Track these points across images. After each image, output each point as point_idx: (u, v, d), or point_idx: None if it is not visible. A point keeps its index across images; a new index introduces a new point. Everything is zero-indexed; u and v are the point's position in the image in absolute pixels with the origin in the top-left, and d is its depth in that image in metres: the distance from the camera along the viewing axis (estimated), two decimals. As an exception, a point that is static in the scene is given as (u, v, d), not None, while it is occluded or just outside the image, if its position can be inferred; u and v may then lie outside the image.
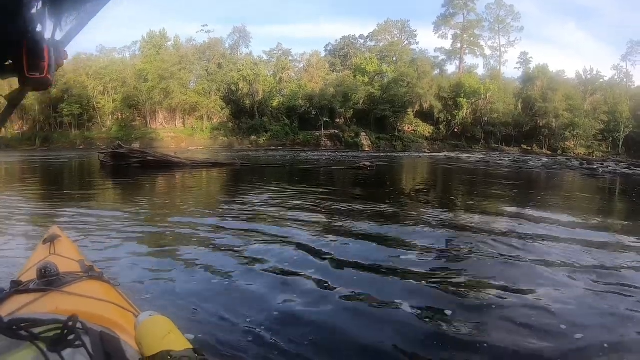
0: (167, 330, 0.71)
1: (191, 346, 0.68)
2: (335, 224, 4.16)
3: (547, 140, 47.51)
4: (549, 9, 76.45)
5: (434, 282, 2.50)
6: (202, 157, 15.77)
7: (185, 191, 7.58)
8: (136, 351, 0.74)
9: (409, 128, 42.03)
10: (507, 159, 27.13)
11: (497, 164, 19.57)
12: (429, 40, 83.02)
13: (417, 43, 46.78)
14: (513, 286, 2.44)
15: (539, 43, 79.53)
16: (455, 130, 43.75)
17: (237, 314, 1.97)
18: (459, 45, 46.83)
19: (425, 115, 42.38)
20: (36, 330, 0.62)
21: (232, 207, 5.23)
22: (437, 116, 42.35)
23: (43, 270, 1.06)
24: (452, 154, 33.73)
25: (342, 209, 5.04)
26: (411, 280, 2.53)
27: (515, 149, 44.95)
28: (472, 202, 6.31)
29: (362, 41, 46.06)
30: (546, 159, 26.34)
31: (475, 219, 4.63)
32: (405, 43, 45.44)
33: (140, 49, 41.72)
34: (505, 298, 2.27)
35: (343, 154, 27.53)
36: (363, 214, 4.71)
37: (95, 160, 13.69)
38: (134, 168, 11.42)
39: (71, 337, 0.62)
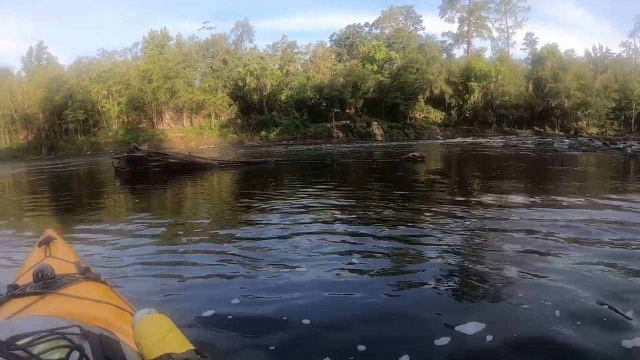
0: (166, 330, 0.70)
1: (192, 347, 0.66)
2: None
3: (559, 121, 46.77)
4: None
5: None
6: (230, 157, 14.40)
7: (217, 196, 6.62)
8: (136, 353, 0.72)
9: (420, 115, 41.17)
10: (528, 142, 26.29)
11: (525, 147, 18.75)
12: (435, 25, 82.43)
13: (423, 28, 45.98)
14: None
15: (541, 23, 78.52)
16: (467, 115, 42.91)
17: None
18: (465, 28, 45.88)
19: (436, 101, 41.50)
20: (36, 350, 0.60)
21: (278, 212, 4.41)
22: (448, 101, 41.49)
23: (39, 274, 1.05)
24: (468, 139, 32.96)
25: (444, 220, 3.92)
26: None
27: (528, 131, 44.18)
28: (577, 196, 5.11)
29: (367, 29, 45.20)
30: (568, 141, 25.47)
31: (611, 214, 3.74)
32: (411, 29, 44.54)
33: (142, 50, 40.92)
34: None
35: (367, 145, 26.63)
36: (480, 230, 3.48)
37: (107, 166, 12.49)
38: (153, 173, 10.28)
39: (74, 356, 0.61)
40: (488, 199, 4.65)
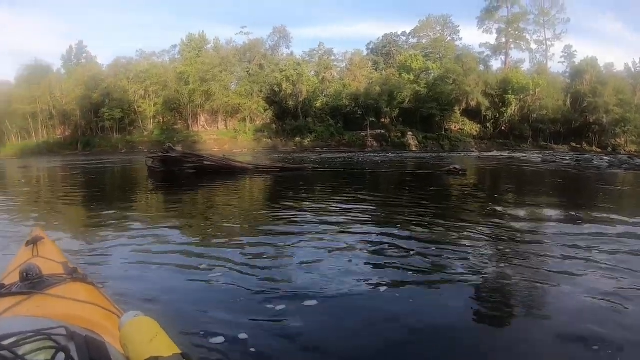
0: (153, 333, 0.70)
1: (179, 351, 0.66)
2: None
3: (597, 137, 45.29)
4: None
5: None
6: (266, 162, 13.88)
7: (249, 201, 6.25)
8: (122, 355, 0.73)
9: (455, 127, 40.42)
10: (567, 158, 25.38)
11: (564, 163, 18.01)
12: (472, 36, 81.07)
13: (461, 39, 45.13)
14: None
15: (580, 36, 76.56)
16: (503, 128, 41.94)
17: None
18: (503, 39, 44.92)
19: (472, 113, 40.69)
20: (21, 350, 0.61)
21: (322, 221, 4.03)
22: (484, 114, 40.61)
23: (26, 273, 1.04)
24: (504, 153, 32.14)
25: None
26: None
27: (565, 147, 42.87)
28: (623, 215, 4.60)
29: (404, 38, 44.69)
30: (608, 158, 24.46)
31: None
32: (449, 39, 43.82)
33: (179, 52, 41.33)
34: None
35: (407, 155, 26.09)
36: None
37: (141, 165, 12.33)
38: (187, 174, 9.95)
39: (59, 357, 0.61)
40: (534, 216, 4.34)
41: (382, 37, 44.75)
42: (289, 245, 3.13)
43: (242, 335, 1.67)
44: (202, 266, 2.63)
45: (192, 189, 7.83)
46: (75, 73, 42.87)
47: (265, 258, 2.81)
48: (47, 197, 7.23)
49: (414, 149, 36.56)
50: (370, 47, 44.95)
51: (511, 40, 45.38)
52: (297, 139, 36.73)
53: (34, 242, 1.48)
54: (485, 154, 32.70)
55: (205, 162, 10.31)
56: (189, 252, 2.99)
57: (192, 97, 37.52)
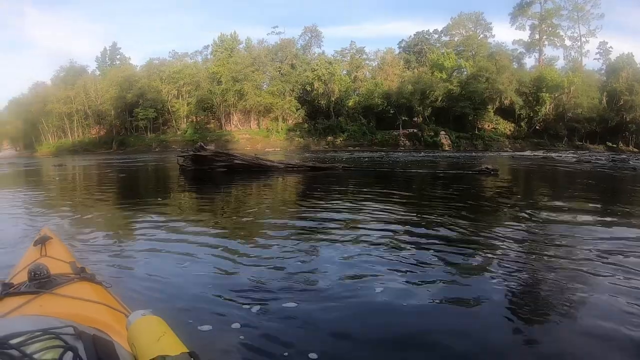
0: (161, 332, 0.70)
1: (187, 349, 0.66)
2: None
3: (634, 136, 43.86)
4: (617, -6, 71.10)
5: None
6: (296, 161, 13.63)
7: (277, 200, 6.08)
8: (130, 354, 0.73)
9: (489, 126, 39.76)
10: (602, 158, 24.55)
11: (599, 164, 17.34)
12: (505, 33, 79.01)
13: (494, 36, 44.28)
14: None
15: (615, 32, 74.21)
16: (537, 127, 41.02)
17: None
18: (537, 36, 43.90)
19: (506, 112, 39.94)
20: (29, 349, 0.61)
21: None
22: (518, 113, 39.80)
23: (34, 273, 1.05)
24: (538, 153, 31.42)
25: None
26: None
27: (601, 146, 41.68)
28: None
29: (436, 36, 44.13)
30: None
31: None
32: (481, 36, 43.05)
33: (212, 53, 41.83)
34: None
35: (434, 155, 25.63)
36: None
37: (173, 163, 12.42)
38: (217, 173, 9.94)
39: (67, 356, 0.61)
40: (566, 217, 4.08)
41: (414, 35, 44.47)
42: (317, 244, 3.04)
43: (258, 332, 1.63)
44: (221, 266, 2.53)
45: (221, 187, 7.82)
46: (110, 74, 43.86)
47: (289, 257, 2.70)
48: (76, 194, 7.44)
49: (446, 149, 36.16)
50: (402, 45, 44.61)
51: (545, 37, 44.32)
52: (329, 138, 36.74)
53: (42, 241, 1.48)
54: (519, 153, 32.05)
55: (235, 161, 10.34)
56: (210, 249, 2.91)
57: (225, 96, 37.94)
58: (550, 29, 44.47)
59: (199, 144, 11.38)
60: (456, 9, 62.45)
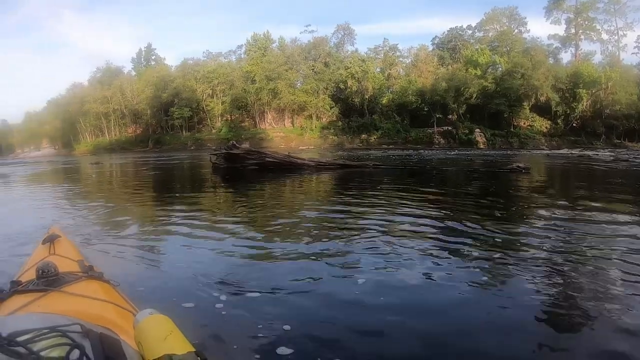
0: (168, 331, 0.70)
1: (193, 349, 0.67)
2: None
3: (675, 134, 42.46)
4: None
5: None
6: (328, 158, 13.62)
7: (306, 197, 6.09)
8: (137, 352, 0.73)
9: (524, 123, 39.13)
10: None
11: (637, 162, 16.80)
12: (540, 27, 76.73)
13: (528, 31, 43.33)
14: None
15: None
16: (574, 124, 40.13)
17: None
18: (573, 30, 42.83)
19: (542, 109, 39.22)
20: (36, 347, 0.61)
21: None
22: (555, 109, 39.03)
23: (42, 271, 1.05)
24: (575, 151, 30.80)
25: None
26: None
27: (640, 144, 40.55)
28: None
29: (470, 32, 43.56)
30: None
31: None
32: (516, 31, 42.30)
33: (245, 52, 42.46)
34: None
35: (469, 152, 25.25)
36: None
37: (207, 161, 12.61)
38: (249, 170, 10.13)
39: (74, 354, 0.61)
40: (596, 218, 3.88)
41: (447, 31, 43.97)
42: (347, 242, 2.99)
43: (282, 333, 1.60)
44: (238, 267, 2.45)
45: (251, 184, 7.97)
46: (145, 74, 45.06)
47: (319, 258, 2.61)
48: (111, 191, 7.88)
49: (481, 147, 35.81)
50: (436, 41, 44.25)
51: (581, 31, 43.20)
52: (363, 136, 36.90)
53: (50, 240, 1.49)
54: (555, 151, 31.52)
55: (266, 159, 10.44)
56: (230, 249, 2.84)
57: (259, 95, 38.50)
58: (586, 22, 43.31)
59: (231, 142, 11.61)
60: (490, 4, 61.01)
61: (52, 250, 1.43)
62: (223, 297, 1.95)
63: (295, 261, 2.57)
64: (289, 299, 1.96)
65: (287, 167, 10.34)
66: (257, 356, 1.46)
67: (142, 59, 48.86)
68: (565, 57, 45.13)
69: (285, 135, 38.26)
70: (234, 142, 11.38)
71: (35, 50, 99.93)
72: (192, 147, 39.36)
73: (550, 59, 41.77)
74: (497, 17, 42.86)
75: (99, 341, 0.68)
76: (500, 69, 39.54)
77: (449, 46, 42.71)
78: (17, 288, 1.04)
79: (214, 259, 2.64)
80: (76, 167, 17.70)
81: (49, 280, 1.04)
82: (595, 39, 43.68)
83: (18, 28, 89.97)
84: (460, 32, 43.22)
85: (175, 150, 38.25)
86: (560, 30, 44.04)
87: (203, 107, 41.32)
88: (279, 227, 3.67)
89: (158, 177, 10.67)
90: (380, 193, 6.07)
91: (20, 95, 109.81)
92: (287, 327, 1.65)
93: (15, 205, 5.74)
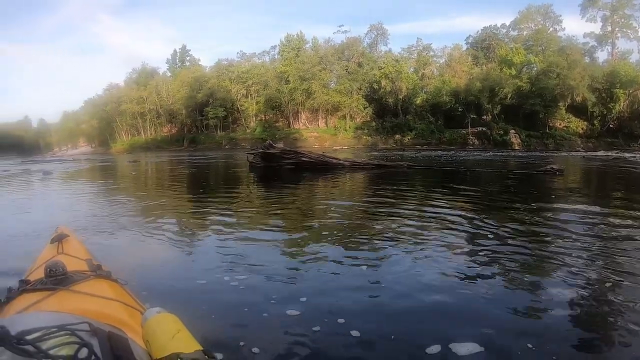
0: (175, 329, 0.71)
1: (201, 347, 0.67)
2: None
3: None
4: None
5: None
6: (362, 159, 13.86)
7: (341, 197, 6.16)
8: (145, 351, 0.74)
9: (560, 124, 38.77)
10: None
11: None
12: (576, 26, 74.27)
13: (564, 29, 42.69)
14: None
15: None
16: (611, 125, 39.53)
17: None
18: (609, 28, 42.04)
19: (578, 110, 38.75)
20: (45, 345, 0.61)
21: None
22: (591, 110, 38.51)
23: (50, 269, 1.05)
24: (611, 153, 30.40)
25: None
26: None
27: (679, 146, 39.66)
28: None
29: (504, 31, 43.18)
30: None
31: None
32: (551, 30, 41.78)
33: (279, 52, 43.15)
34: None
35: (510, 154, 24.92)
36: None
37: (243, 160, 12.93)
38: (285, 170, 10.35)
39: (82, 353, 0.61)
40: (628, 224, 3.76)
41: (481, 30, 43.61)
42: (380, 243, 3.03)
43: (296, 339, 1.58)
44: (254, 267, 2.42)
45: (285, 183, 8.17)
46: (180, 75, 46.28)
47: (351, 262, 2.58)
48: (147, 187, 8.18)
49: (516, 148, 35.68)
50: (470, 41, 44.06)
51: (617, 29, 42.34)
52: (397, 136, 37.23)
53: (59, 239, 1.50)
54: (591, 153, 31.15)
55: (302, 158, 10.63)
56: (248, 253, 2.80)
57: (293, 95, 39.17)
58: (622, 20, 42.40)
59: (267, 141, 11.77)
60: (524, 2, 60.03)
61: (61, 249, 1.44)
62: (236, 301, 1.90)
63: (338, 264, 2.52)
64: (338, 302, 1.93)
65: (322, 167, 10.51)
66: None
67: (177, 60, 50.14)
68: (602, 55, 44.18)
69: (319, 135, 38.89)
70: (271, 142, 11.63)
71: (73, 51, 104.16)
72: (227, 147, 40.37)
73: (586, 57, 41.13)
74: (531, 16, 42.37)
75: (107, 340, 0.70)
76: (535, 68, 39.21)
77: (483, 45, 42.47)
78: (25, 287, 1.05)
79: (227, 262, 2.52)
80: (114, 164, 18.33)
81: (57, 279, 1.05)
82: (632, 37, 42.75)
83: (56, 30, 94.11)
84: (494, 31, 42.90)
85: (209, 149, 39.27)
86: (596, 28, 43.29)
87: (237, 107, 42.28)
88: (315, 225, 3.70)
89: (195, 175, 10.98)
90: (418, 193, 6.24)
91: (58, 95, 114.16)
92: (341, 321, 1.69)
93: (52, 201, 6.04)
